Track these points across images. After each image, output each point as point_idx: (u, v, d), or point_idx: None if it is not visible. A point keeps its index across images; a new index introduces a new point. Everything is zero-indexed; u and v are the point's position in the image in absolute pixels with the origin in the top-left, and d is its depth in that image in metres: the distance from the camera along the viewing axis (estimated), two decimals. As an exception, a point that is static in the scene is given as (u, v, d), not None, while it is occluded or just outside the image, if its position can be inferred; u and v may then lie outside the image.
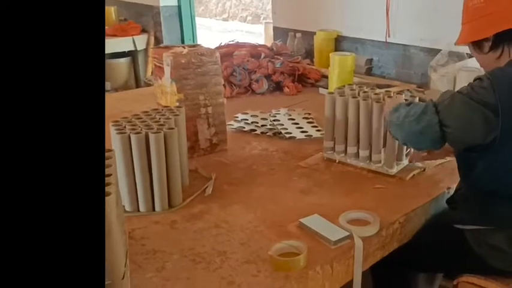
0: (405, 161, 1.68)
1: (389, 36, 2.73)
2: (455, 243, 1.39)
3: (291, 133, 2.00)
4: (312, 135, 1.98)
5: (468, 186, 1.42)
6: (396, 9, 2.66)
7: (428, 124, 1.28)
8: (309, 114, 2.21)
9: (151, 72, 2.22)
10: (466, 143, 1.30)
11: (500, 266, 1.34)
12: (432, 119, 1.28)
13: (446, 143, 1.33)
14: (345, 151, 1.71)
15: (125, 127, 1.38)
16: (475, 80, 1.28)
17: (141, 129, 1.36)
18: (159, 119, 1.44)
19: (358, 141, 1.67)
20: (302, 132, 2.02)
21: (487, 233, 1.33)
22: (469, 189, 1.42)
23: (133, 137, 1.33)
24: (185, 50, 1.70)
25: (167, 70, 1.71)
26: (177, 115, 1.48)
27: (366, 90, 1.70)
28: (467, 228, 1.37)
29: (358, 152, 1.68)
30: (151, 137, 1.33)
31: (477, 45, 1.36)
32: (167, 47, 1.85)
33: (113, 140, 1.34)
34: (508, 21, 1.29)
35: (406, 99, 1.57)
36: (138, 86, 4.27)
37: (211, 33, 8.89)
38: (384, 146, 1.62)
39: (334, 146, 1.73)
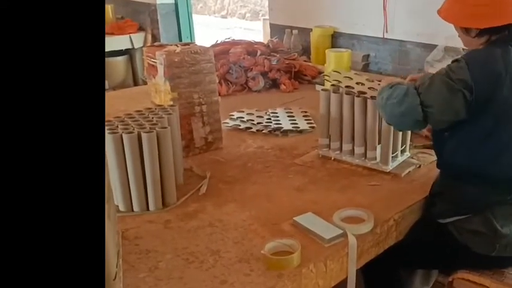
0: (401, 158, 1.67)
1: (387, 31, 2.72)
2: (440, 238, 1.42)
3: (280, 123, 2.02)
4: (299, 127, 2.01)
5: (443, 167, 1.47)
6: (393, 4, 2.65)
7: (411, 105, 1.33)
8: (305, 112, 2.20)
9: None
10: (448, 121, 1.35)
11: (484, 251, 1.37)
12: (414, 101, 1.33)
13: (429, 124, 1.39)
14: (340, 148, 1.70)
15: (117, 127, 1.37)
16: (452, 62, 1.34)
17: (134, 129, 1.35)
18: (152, 118, 1.43)
19: (353, 138, 1.66)
20: (292, 123, 2.04)
21: (466, 220, 1.38)
22: (443, 173, 1.47)
23: (125, 137, 1.32)
24: (178, 49, 1.69)
25: (160, 69, 1.70)
26: (170, 114, 1.47)
27: (362, 81, 1.68)
28: (448, 221, 1.41)
29: (353, 149, 1.67)
30: (144, 136, 1.33)
31: (465, 28, 1.39)
32: (161, 46, 1.84)
33: (105, 139, 1.33)
34: (501, 17, 1.32)
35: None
36: (136, 84, 4.25)
37: (210, 30, 8.87)
38: (379, 142, 1.61)
39: (330, 143, 1.72)
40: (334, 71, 1.78)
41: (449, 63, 1.35)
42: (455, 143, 1.37)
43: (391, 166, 1.62)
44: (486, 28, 1.34)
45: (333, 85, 1.71)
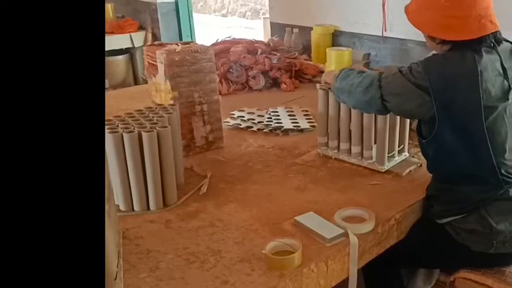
0: (398, 158, 1.66)
1: (385, 30, 2.71)
2: (439, 238, 1.42)
3: (281, 123, 2.01)
4: (300, 126, 2.00)
5: (432, 171, 1.49)
6: (393, 2, 2.64)
7: (372, 97, 1.42)
8: (306, 111, 2.20)
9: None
10: (406, 115, 1.53)
11: (482, 249, 1.37)
12: (375, 93, 1.41)
13: None
14: (338, 147, 1.70)
15: (117, 126, 1.37)
16: (413, 63, 1.39)
17: (134, 128, 1.35)
18: (153, 117, 1.43)
19: (350, 137, 1.66)
20: (293, 123, 2.03)
21: (461, 220, 1.39)
22: (435, 177, 1.48)
23: (126, 136, 1.32)
24: (179, 48, 1.69)
25: (161, 68, 1.69)
26: (170, 113, 1.47)
27: None
28: (445, 222, 1.41)
29: (350, 148, 1.67)
30: (144, 135, 1.32)
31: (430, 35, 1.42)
32: (161, 45, 1.84)
33: (106, 139, 1.33)
34: (467, 31, 1.32)
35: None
36: (136, 83, 4.25)
37: (210, 29, 8.85)
38: (375, 142, 1.61)
39: (328, 141, 1.72)
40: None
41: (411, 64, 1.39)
42: (435, 147, 1.40)
43: (387, 166, 1.61)
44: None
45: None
